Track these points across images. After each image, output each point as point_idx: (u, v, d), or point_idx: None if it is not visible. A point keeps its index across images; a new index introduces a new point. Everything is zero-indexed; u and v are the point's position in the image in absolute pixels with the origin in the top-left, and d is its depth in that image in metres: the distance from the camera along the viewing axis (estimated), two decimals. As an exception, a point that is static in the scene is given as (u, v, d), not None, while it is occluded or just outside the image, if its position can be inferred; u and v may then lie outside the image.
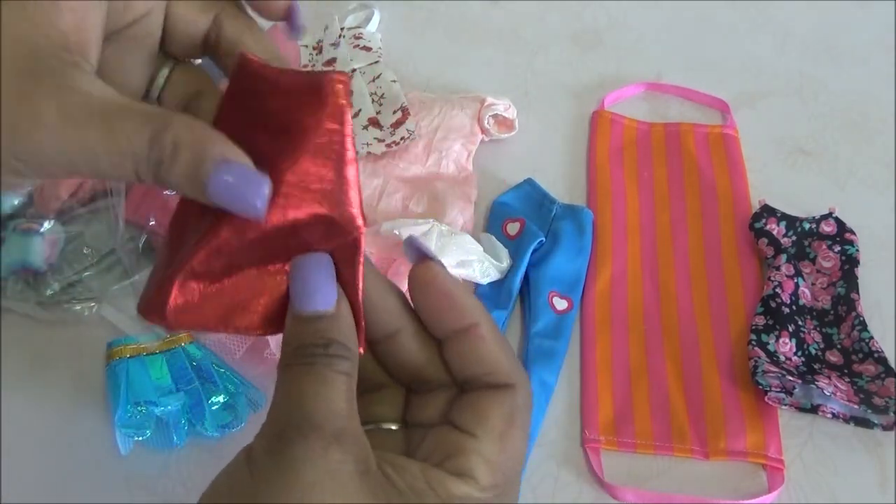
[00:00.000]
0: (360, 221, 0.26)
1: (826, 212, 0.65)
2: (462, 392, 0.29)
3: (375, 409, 0.30)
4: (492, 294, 0.60)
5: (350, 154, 0.25)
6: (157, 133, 0.23)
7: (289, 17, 0.29)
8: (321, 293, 0.26)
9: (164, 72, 0.31)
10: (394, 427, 0.30)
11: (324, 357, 0.25)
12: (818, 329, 0.59)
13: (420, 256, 0.28)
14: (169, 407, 0.51)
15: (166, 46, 0.30)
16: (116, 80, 0.28)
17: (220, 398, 0.52)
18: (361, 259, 0.27)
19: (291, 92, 0.25)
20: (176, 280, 0.26)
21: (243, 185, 0.24)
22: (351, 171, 0.25)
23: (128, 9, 0.28)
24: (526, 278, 0.61)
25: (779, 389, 0.54)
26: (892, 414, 0.53)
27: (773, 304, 0.58)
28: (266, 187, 0.24)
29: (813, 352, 0.57)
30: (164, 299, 0.26)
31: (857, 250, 0.62)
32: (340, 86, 0.25)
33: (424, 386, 0.30)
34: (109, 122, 0.23)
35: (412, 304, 0.29)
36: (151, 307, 0.26)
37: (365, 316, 0.28)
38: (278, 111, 0.26)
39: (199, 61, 0.32)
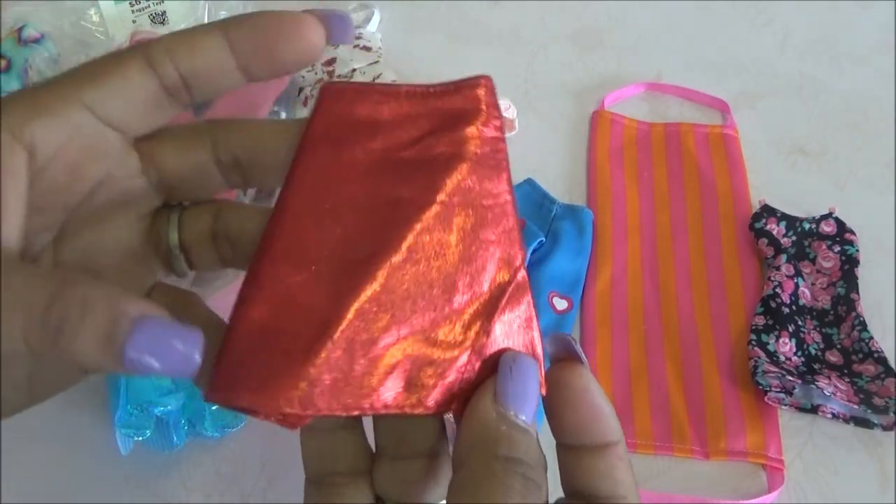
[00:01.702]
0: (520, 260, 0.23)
1: (826, 212, 0.65)
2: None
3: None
4: (492, 294, 0.60)
5: (506, 164, 0.22)
6: (60, 289, 0.20)
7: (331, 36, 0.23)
8: (530, 404, 0.23)
9: (174, 217, 0.27)
10: None
11: (534, 483, 0.22)
12: (818, 329, 0.59)
13: (566, 354, 0.25)
14: (169, 407, 0.51)
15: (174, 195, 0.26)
16: (114, 259, 0.25)
17: (220, 398, 0.52)
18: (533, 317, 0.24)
19: (424, 107, 0.22)
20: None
21: (174, 342, 0.19)
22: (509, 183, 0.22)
23: (76, 179, 0.23)
24: (526, 278, 0.61)
25: (779, 389, 0.54)
26: (892, 414, 0.53)
27: (772, 304, 0.58)
28: (199, 339, 0.20)
29: (813, 352, 0.57)
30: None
31: (857, 250, 0.62)
32: (486, 90, 0.22)
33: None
34: (9, 284, 0.20)
35: (549, 402, 0.25)
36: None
37: None
38: (412, 133, 0.22)
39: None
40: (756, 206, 0.65)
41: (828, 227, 0.63)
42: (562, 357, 0.25)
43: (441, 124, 0.22)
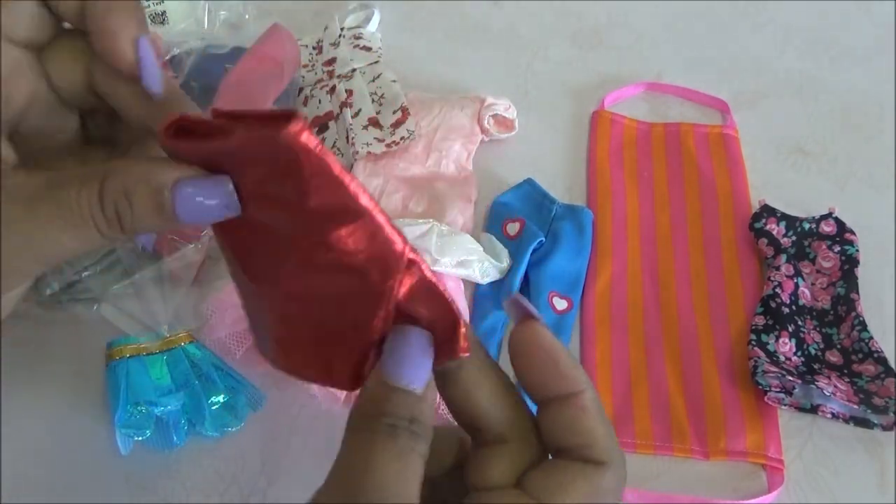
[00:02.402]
0: (429, 274, 0.25)
1: (826, 212, 0.65)
2: (544, 457, 0.27)
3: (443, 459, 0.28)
4: (492, 294, 0.60)
5: (364, 200, 0.23)
6: (101, 187, 0.24)
7: (140, 71, 0.26)
8: (417, 371, 0.25)
9: (37, 70, 0.29)
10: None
11: (407, 433, 0.24)
12: (818, 329, 0.59)
13: (524, 315, 0.27)
14: (169, 407, 0.51)
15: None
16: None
17: (220, 398, 0.52)
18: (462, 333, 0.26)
19: (253, 156, 0.22)
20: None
21: (209, 193, 0.24)
22: (380, 218, 0.24)
23: (8, 94, 0.27)
24: (526, 278, 0.61)
25: (779, 389, 0.54)
26: (891, 414, 0.53)
27: (772, 304, 0.58)
28: (229, 183, 0.23)
29: (813, 352, 0.57)
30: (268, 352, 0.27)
31: (857, 250, 0.62)
32: (301, 134, 0.21)
33: (489, 437, 0.27)
34: (53, 195, 0.24)
35: (512, 363, 0.27)
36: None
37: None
38: (255, 176, 0.23)
39: None
40: (756, 206, 0.65)
41: (828, 227, 0.63)
42: (521, 319, 0.26)
43: (275, 171, 0.22)
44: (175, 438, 0.51)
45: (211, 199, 0.24)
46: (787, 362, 0.56)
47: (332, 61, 0.75)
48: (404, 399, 0.25)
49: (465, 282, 0.61)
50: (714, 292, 0.61)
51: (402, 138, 0.67)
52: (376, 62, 0.75)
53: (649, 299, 0.61)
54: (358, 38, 0.77)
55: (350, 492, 0.23)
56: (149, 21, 0.74)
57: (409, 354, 0.25)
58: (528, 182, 0.67)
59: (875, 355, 0.56)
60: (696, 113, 0.75)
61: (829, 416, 0.54)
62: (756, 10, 0.85)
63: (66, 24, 0.29)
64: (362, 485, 0.23)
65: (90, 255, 0.60)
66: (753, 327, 0.58)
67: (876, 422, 0.54)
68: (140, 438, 0.51)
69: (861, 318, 0.58)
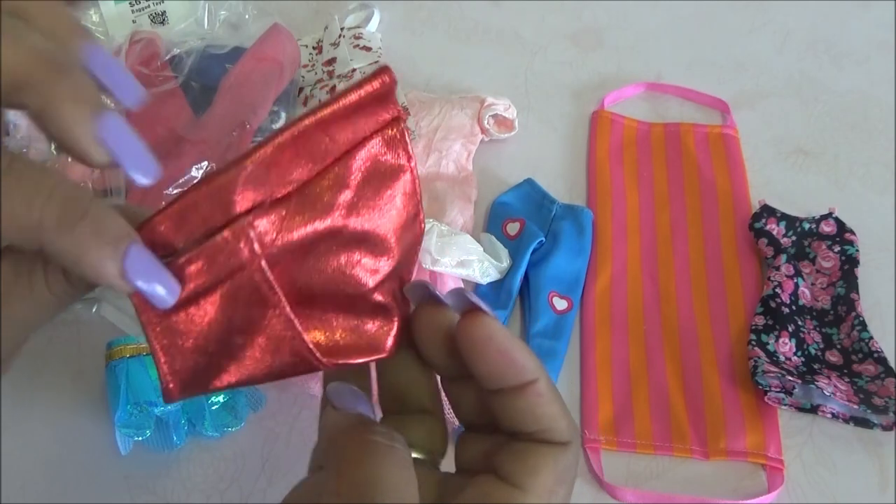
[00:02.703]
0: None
1: (826, 212, 0.65)
2: (511, 440, 0.28)
3: (409, 434, 0.29)
4: (492, 294, 0.60)
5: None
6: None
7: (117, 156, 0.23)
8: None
9: None
10: (422, 457, 0.29)
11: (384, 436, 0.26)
12: (818, 329, 0.59)
13: (468, 307, 0.26)
14: (169, 407, 0.51)
15: None
16: None
17: (220, 398, 0.52)
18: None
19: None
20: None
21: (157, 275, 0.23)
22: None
23: None
24: (526, 278, 0.61)
25: (778, 389, 0.54)
26: (891, 414, 0.53)
27: (772, 304, 0.58)
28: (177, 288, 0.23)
29: (813, 352, 0.57)
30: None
31: (857, 250, 0.62)
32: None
33: (465, 425, 0.30)
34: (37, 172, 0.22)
35: (465, 357, 0.27)
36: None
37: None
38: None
39: None
40: (756, 206, 0.65)
41: (828, 227, 0.63)
42: (465, 310, 0.26)
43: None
44: (175, 438, 0.51)
45: (157, 282, 0.23)
46: (787, 362, 0.56)
47: (332, 61, 0.75)
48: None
49: (465, 282, 0.61)
50: (714, 292, 0.61)
51: (402, 138, 0.67)
52: (376, 62, 0.75)
53: (649, 299, 0.61)
54: (358, 38, 0.77)
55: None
56: (149, 21, 0.74)
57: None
58: (528, 182, 0.67)
59: (875, 355, 0.56)
60: (696, 113, 0.75)
61: (829, 416, 0.54)
62: (756, 10, 0.85)
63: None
64: (362, 494, 0.24)
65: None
66: (753, 327, 0.58)
67: (876, 422, 0.54)
68: (140, 438, 0.51)
69: (861, 318, 0.58)
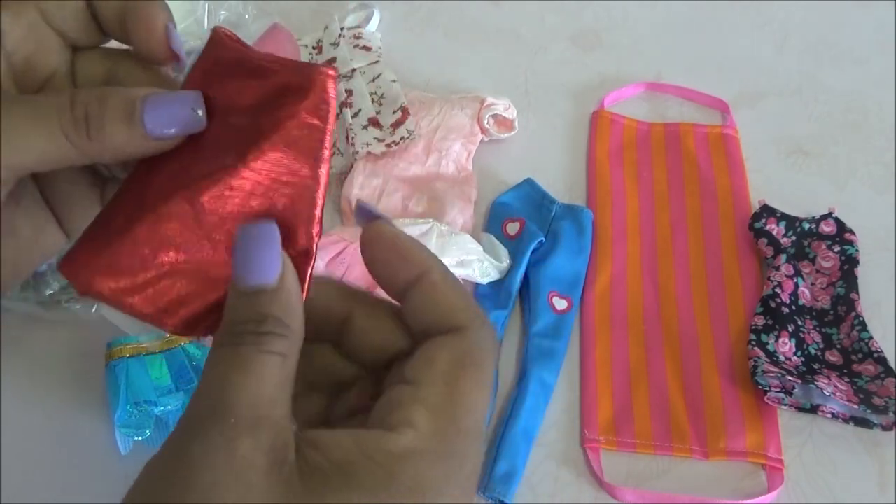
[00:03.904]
0: (316, 229, 0.25)
1: (826, 212, 0.65)
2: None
3: (352, 402, 0.28)
4: (492, 294, 0.60)
5: (326, 153, 0.25)
6: (74, 93, 0.24)
7: (171, 55, 0.28)
8: (263, 264, 0.24)
9: (66, 57, 0.29)
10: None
11: (253, 335, 0.23)
12: (818, 329, 0.59)
13: (369, 219, 0.27)
14: (168, 407, 0.51)
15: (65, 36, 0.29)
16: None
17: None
18: (311, 269, 0.26)
19: (271, 77, 0.25)
20: (118, 238, 0.24)
21: (178, 105, 0.25)
22: (323, 172, 0.25)
23: (31, 68, 0.28)
24: (526, 278, 0.61)
25: (778, 389, 0.54)
26: (891, 414, 0.53)
27: (772, 304, 0.58)
28: (200, 97, 0.25)
29: (812, 352, 0.57)
30: (98, 259, 0.24)
31: (857, 250, 0.62)
32: (329, 80, 0.24)
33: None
34: (27, 99, 0.25)
35: (367, 267, 0.27)
36: (77, 264, 0.25)
37: (312, 311, 0.26)
38: (254, 95, 0.25)
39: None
40: (756, 206, 0.65)
41: (827, 227, 0.63)
42: (367, 222, 0.27)
43: (280, 94, 0.25)
44: (175, 438, 0.51)
45: (181, 111, 0.25)
46: (787, 362, 0.56)
47: (331, 61, 0.75)
48: (253, 301, 0.24)
49: (465, 282, 0.61)
50: (714, 292, 0.61)
51: (402, 138, 0.67)
52: (376, 62, 0.75)
53: (649, 299, 0.61)
54: (358, 37, 0.77)
55: (189, 419, 0.22)
56: (149, 21, 0.74)
57: (252, 248, 0.24)
58: (528, 182, 0.67)
59: (875, 355, 0.56)
60: (696, 113, 0.75)
61: (828, 416, 0.54)
62: (756, 10, 0.85)
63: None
64: (198, 410, 0.22)
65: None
66: (753, 327, 0.58)
67: (876, 422, 0.54)
68: (140, 438, 0.51)
69: (861, 318, 0.58)
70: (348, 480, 0.22)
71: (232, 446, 0.21)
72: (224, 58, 0.26)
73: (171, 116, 0.25)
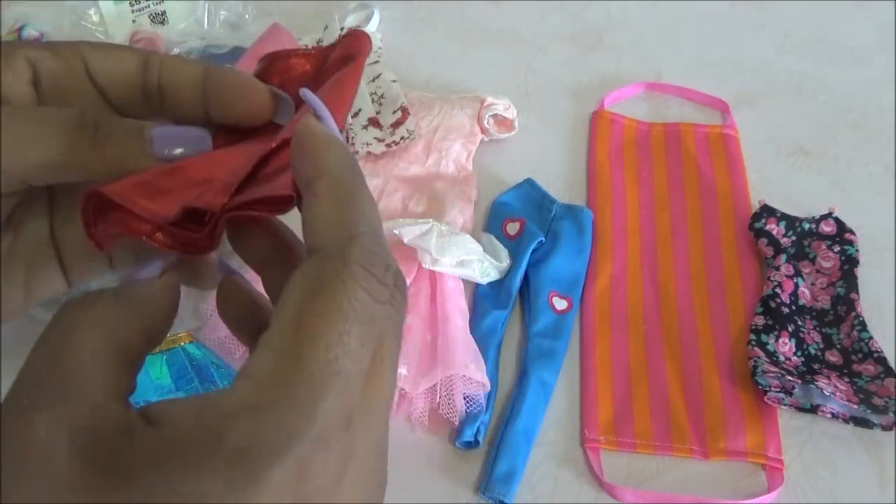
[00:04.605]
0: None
1: (826, 212, 0.65)
2: None
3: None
4: (492, 294, 0.60)
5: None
6: (86, 109, 0.24)
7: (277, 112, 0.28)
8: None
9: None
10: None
11: (80, 298, 0.21)
12: (818, 329, 0.59)
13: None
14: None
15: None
16: None
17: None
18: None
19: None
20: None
21: (187, 132, 0.25)
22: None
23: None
24: (526, 278, 0.61)
25: (778, 389, 0.54)
26: (891, 414, 0.53)
27: (772, 304, 0.58)
28: (208, 136, 0.25)
29: (812, 352, 0.57)
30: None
31: (857, 250, 0.62)
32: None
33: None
34: (38, 108, 0.25)
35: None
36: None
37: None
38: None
39: None
40: (756, 206, 0.65)
41: (827, 227, 0.63)
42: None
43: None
44: (175, 438, 0.51)
45: (188, 135, 0.25)
46: (787, 362, 0.56)
47: (332, 61, 0.75)
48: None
49: (465, 282, 0.61)
50: (714, 292, 0.61)
51: (402, 138, 0.67)
52: (376, 62, 0.75)
53: (649, 299, 0.61)
54: (358, 38, 0.77)
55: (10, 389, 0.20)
56: (149, 21, 0.74)
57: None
58: (528, 182, 0.67)
59: (875, 355, 0.56)
60: (696, 113, 0.75)
61: (828, 416, 0.54)
62: (756, 10, 0.85)
63: None
64: (18, 379, 0.20)
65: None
66: (753, 327, 0.58)
67: (876, 422, 0.54)
68: (140, 438, 0.50)
69: (861, 318, 0.58)
70: (168, 455, 0.18)
71: (29, 427, 0.18)
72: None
73: (182, 135, 0.25)
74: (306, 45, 0.78)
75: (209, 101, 0.26)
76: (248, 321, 0.25)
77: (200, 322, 0.56)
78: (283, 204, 0.23)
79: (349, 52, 0.28)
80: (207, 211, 0.23)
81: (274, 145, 0.25)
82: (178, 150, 0.24)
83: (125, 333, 0.21)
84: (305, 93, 0.25)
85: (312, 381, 0.19)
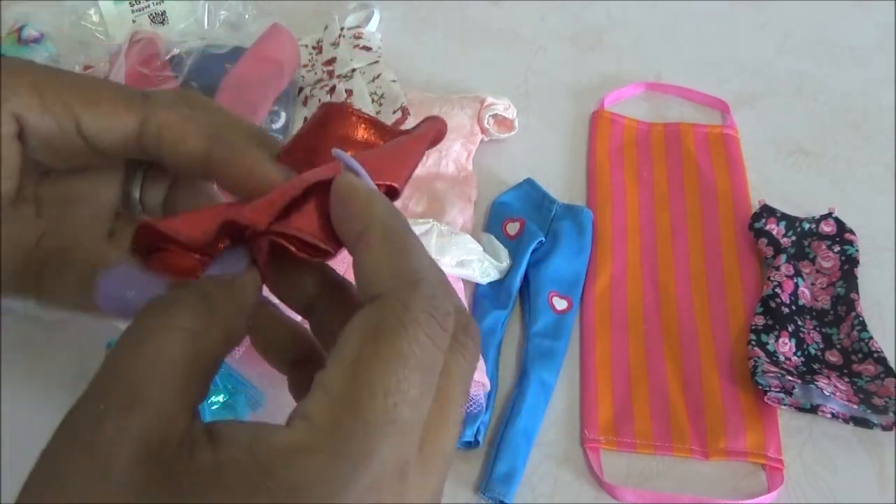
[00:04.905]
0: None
1: (826, 212, 0.65)
2: None
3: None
4: (492, 294, 0.60)
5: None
6: (43, 237, 0.23)
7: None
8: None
9: (139, 175, 0.28)
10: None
11: (159, 306, 0.21)
12: (818, 329, 0.59)
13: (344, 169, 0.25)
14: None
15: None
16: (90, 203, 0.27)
17: (220, 398, 0.52)
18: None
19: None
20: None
21: (136, 284, 0.23)
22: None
23: (56, 160, 0.26)
24: (526, 278, 0.61)
25: (778, 389, 0.54)
26: (891, 414, 0.53)
27: (772, 304, 0.58)
28: (163, 284, 0.23)
29: (812, 352, 0.57)
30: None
31: (857, 250, 0.62)
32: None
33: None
34: None
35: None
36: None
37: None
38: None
39: None
40: (756, 206, 0.65)
41: (827, 227, 0.63)
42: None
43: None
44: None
45: (132, 291, 0.23)
46: (787, 362, 0.56)
47: (331, 61, 0.75)
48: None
49: (465, 282, 0.61)
50: (714, 292, 0.61)
51: (401, 138, 0.67)
52: (376, 62, 0.75)
53: (649, 299, 0.61)
54: (358, 37, 0.77)
55: (83, 395, 0.21)
56: (148, 21, 0.74)
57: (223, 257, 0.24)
58: (528, 182, 0.67)
59: (875, 355, 0.56)
60: (696, 113, 0.75)
61: (828, 416, 0.54)
62: (756, 10, 0.85)
63: None
64: (91, 386, 0.21)
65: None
66: (753, 327, 0.58)
67: (876, 422, 0.54)
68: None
69: (861, 318, 0.58)
70: (220, 480, 0.18)
71: (97, 428, 0.19)
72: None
73: (125, 297, 0.23)
74: (306, 45, 0.78)
75: (214, 178, 0.26)
76: (342, 227, 0.23)
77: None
78: (322, 255, 0.24)
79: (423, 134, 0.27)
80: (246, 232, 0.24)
81: (304, 188, 0.24)
82: (130, 294, 0.23)
83: (204, 343, 0.21)
84: (338, 153, 0.25)
85: (368, 428, 0.19)
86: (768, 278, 0.60)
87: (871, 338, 0.57)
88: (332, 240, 0.24)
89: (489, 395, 0.54)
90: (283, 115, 0.69)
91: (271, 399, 0.54)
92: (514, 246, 0.62)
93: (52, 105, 0.24)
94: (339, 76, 0.74)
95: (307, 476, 0.18)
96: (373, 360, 0.19)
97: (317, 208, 0.24)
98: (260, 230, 0.23)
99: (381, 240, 0.22)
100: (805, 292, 0.60)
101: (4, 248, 0.23)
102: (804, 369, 0.56)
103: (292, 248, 0.23)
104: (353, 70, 0.74)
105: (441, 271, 0.23)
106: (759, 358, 0.55)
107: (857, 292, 0.60)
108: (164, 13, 0.74)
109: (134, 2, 0.72)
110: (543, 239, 0.63)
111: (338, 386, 0.19)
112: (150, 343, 0.20)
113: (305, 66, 0.76)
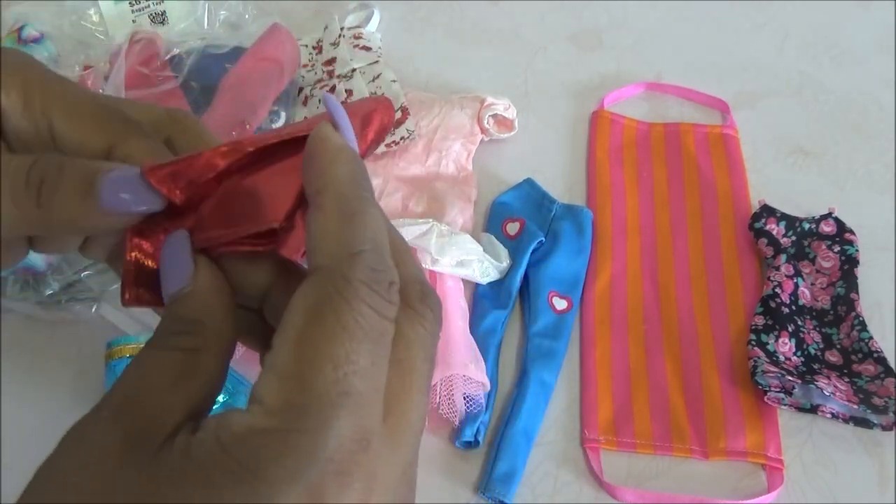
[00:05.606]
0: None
1: (826, 212, 0.65)
2: None
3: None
4: (492, 294, 0.60)
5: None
6: (39, 158, 0.22)
7: None
8: (175, 271, 0.23)
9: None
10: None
11: (160, 336, 0.22)
12: (818, 329, 0.59)
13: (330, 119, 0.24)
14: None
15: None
16: None
17: (220, 398, 0.52)
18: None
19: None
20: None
21: (139, 188, 0.23)
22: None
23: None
24: (526, 278, 0.61)
25: (778, 389, 0.54)
26: (891, 414, 0.53)
27: (772, 304, 0.58)
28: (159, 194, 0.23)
29: (812, 352, 0.57)
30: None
31: (857, 250, 0.62)
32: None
33: None
34: None
35: None
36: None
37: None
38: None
39: None
40: (756, 206, 0.65)
41: (827, 227, 0.63)
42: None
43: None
44: (175, 438, 0.51)
45: (137, 193, 0.22)
46: (787, 362, 0.56)
47: (331, 61, 0.75)
48: (169, 308, 0.23)
49: (465, 282, 0.61)
50: (714, 292, 0.61)
51: (402, 138, 0.67)
52: (376, 62, 0.75)
53: (649, 299, 0.61)
54: (358, 37, 0.77)
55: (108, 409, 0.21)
56: (149, 21, 0.74)
57: (165, 259, 0.24)
58: (528, 182, 0.67)
59: (875, 355, 0.56)
60: (696, 113, 0.75)
61: (828, 416, 0.54)
62: (756, 10, 0.85)
63: None
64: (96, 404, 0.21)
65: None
66: (753, 327, 0.58)
67: (876, 422, 0.54)
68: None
69: (861, 318, 0.58)
70: (190, 463, 0.19)
71: (86, 429, 0.20)
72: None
73: (133, 194, 0.23)
74: (306, 45, 0.78)
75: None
76: (305, 183, 0.23)
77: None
78: (264, 240, 0.23)
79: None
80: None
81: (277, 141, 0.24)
82: (131, 209, 0.23)
83: (208, 356, 0.22)
84: (327, 97, 0.24)
85: (321, 401, 0.19)
86: (768, 278, 0.60)
87: (870, 338, 0.57)
88: (293, 209, 0.23)
89: (489, 395, 0.54)
90: (283, 114, 0.69)
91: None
92: (514, 246, 0.62)
93: (33, 111, 0.24)
94: (338, 76, 0.74)
95: (267, 455, 0.18)
96: (317, 335, 0.19)
97: (280, 172, 0.24)
98: (198, 247, 0.24)
99: (331, 204, 0.21)
100: (805, 292, 0.60)
101: (4, 167, 0.23)
102: (804, 369, 0.56)
103: (237, 249, 0.23)
104: (353, 70, 0.74)
105: (399, 240, 0.23)
106: (759, 358, 0.55)
107: (857, 292, 0.60)
108: (164, 13, 0.74)
109: (134, 2, 0.72)
110: (543, 239, 0.63)
111: (285, 365, 0.19)
112: (147, 362, 0.21)
113: (305, 66, 0.76)
